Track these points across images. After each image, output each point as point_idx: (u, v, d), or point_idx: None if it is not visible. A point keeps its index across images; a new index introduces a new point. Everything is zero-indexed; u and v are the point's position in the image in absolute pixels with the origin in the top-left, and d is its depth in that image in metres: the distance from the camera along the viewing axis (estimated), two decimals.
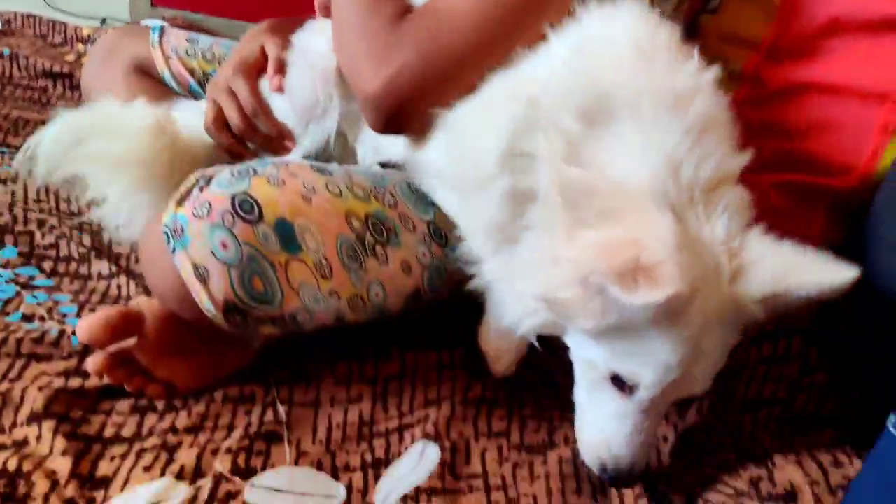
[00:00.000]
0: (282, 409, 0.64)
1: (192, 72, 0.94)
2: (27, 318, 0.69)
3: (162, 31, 0.95)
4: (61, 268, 0.77)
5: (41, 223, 0.82)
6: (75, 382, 0.62)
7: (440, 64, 0.61)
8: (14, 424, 0.57)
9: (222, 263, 0.55)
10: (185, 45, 0.95)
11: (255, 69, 0.78)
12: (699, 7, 0.82)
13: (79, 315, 0.70)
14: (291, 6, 0.89)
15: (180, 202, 0.56)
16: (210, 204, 0.55)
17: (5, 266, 0.75)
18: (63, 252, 0.79)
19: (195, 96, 0.93)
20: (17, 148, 0.89)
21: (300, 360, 0.69)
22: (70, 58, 1.21)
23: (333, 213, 0.61)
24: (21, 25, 1.26)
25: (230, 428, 0.61)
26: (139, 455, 0.57)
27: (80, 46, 1.23)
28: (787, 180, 0.72)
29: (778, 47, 0.73)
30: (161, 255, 0.56)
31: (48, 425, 0.57)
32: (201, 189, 0.56)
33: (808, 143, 0.72)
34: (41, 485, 0.53)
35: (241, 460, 0.58)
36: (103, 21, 1.68)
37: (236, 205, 0.55)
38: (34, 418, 0.57)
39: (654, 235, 0.46)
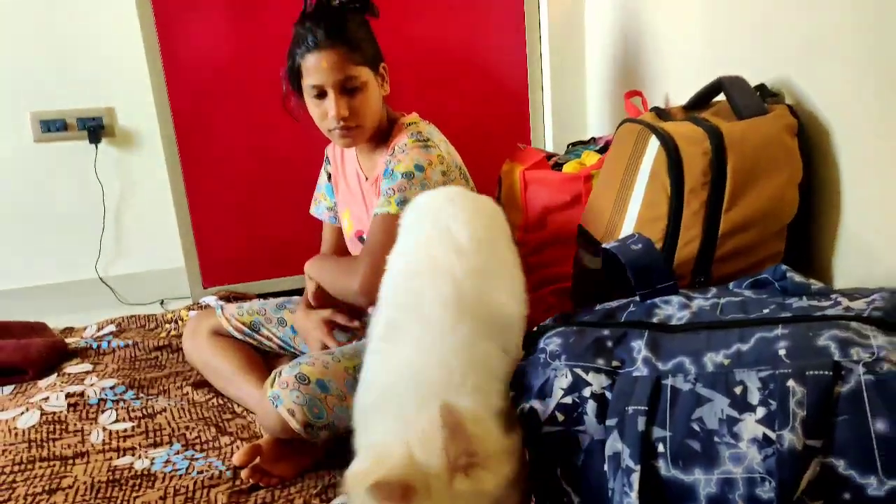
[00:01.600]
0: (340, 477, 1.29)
1: (244, 323, 1.66)
2: (199, 472, 1.35)
3: (221, 307, 1.68)
4: (205, 445, 1.43)
5: (186, 427, 1.49)
6: (236, 488, 1.27)
7: (378, 262, 1.30)
8: None
9: (299, 405, 1.22)
10: (236, 311, 1.67)
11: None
12: None
13: (224, 464, 1.36)
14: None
15: (272, 384, 1.25)
16: (287, 382, 1.24)
17: (177, 453, 1.42)
18: (203, 437, 1.46)
19: (250, 336, 1.64)
20: (154, 395, 1.60)
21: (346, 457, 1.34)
22: (163, 335, 1.94)
23: (340, 370, 1.29)
24: (128, 324, 2.01)
25: (316, 487, 1.26)
26: None
27: (167, 326, 1.98)
28: (555, 288, 1.42)
29: (527, 226, 1.47)
30: (271, 410, 1.24)
31: None
32: (279, 375, 1.26)
33: (558, 268, 1.43)
34: None
35: (324, 496, 1.22)
36: (162, 302, 2.44)
37: (297, 378, 1.24)
38: None
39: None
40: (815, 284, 0.87)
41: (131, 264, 2.47)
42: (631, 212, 1.12)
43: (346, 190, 1.61)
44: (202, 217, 2.18)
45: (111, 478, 1.32)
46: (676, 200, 1.05)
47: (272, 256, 2.21)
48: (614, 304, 0.96)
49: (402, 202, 1.31)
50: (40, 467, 1.36)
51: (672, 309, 0.89)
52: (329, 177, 1.68)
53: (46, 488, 1.29)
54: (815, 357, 0.72)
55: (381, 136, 1.47)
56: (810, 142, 1.09)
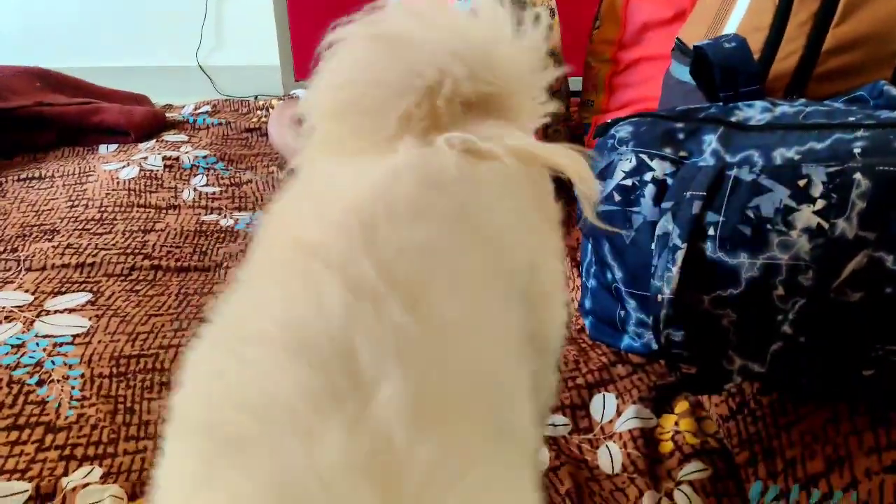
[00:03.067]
0: None
1: None
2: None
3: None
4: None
5: (269, 199, 1.59)
6: None
7: None
8: None
9: None
10: None
11: None
12: (591, 27, 1.51)
13: None
14: None
15: None
16: None
17: (259, 219, 1.52)
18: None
19: None
20: (242, 169, 1.70)
21: None
22: (254, 120, 2.02)
23: None
24: (223, 106, 2.10)
25: None
26: None
27: (258, 112, 2.06)
28: (637, 111, 1.39)
29: (622, 42, 1.41)
30: None
31: None
32: None
33: (645, 89, 1.39)
34: None
35: None
36: (256, 97, 2.51)
37: None
38: None
39: None
40: None
41: (230, 56, 2.54)
42: (732, 21, 1.06)
43: None
44: (300, 11, 2.20)
45: (199, 229, 1.44)
46: (784, 9, 0.99)
47: None
48: (694, 105, 0.94)
49: None
50: (137, 212, 1.50)
51: (753, 111, 0.87)
52: None
53: (142, 228, 1.43)
54: (891, 157, 0.70)
55: None
56: None
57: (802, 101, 0.89)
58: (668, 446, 0.83)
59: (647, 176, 0.84)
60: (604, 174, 0.87)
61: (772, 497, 0.72)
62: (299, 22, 2.20)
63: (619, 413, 0.88)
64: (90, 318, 1.10)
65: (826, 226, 0.70)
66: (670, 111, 0.92)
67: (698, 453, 0.80)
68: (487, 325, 0.40)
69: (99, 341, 1.05)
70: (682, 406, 0.86)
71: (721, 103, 0.92)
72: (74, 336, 1.05)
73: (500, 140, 0.49)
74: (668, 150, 0.85)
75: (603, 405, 0.90)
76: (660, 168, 0.84)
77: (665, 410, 0.87)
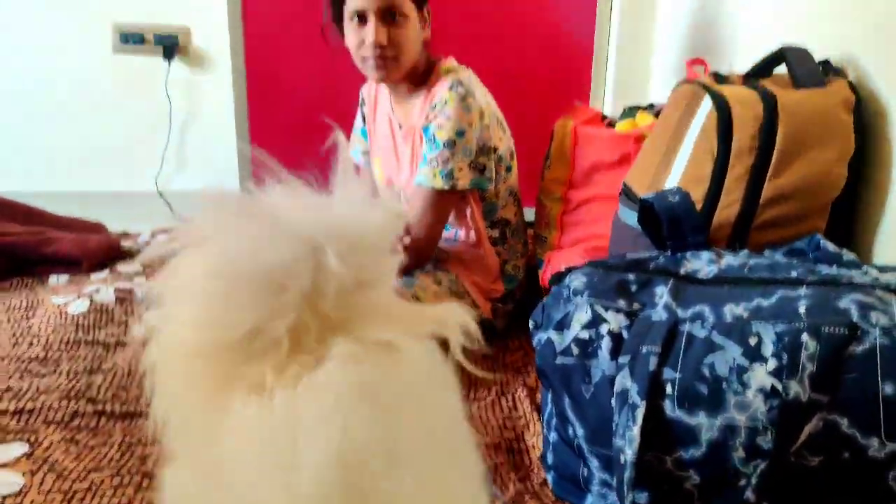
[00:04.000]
0: None
1: None
2: None
3: None
4: None
5: None
6: None
7: (420, 243, 1.37)
8: None
9: None
10: None
11: None
12: (543, 166, 1.57)
13: None
14: None
15: None
16: None
17: None
18: None
19: None
20: None
21: None
22: None
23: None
24: None
25: None
26: None
27: None
28: (591, 246, 1.43)
29: (572, 182, 1.47)
30: None
31: None
32: None
33: (595, 228, 1.43)
34: None
35: None
36: None
37: None
38: None
39: None
40: (848, 255, 0.86)
41: (190, 181, 2.56)
42: (675, 170, 1.12)
43: (377, 137, 1.59)
44: (262, 135, 2.27)
45: None
46: (721, 162, 1.04)
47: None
48: (645, 254, 0.97)
49: (448, 176, 1.33)
50: (84, 350, 1.45)
51: (700, 263, 0.90)
52: (364, 119, 1.65)
53: (87, 369, 1.37)
54: (835, 316, 0.72)
55: (418, 80, 1.43)
56: (867, 121, 1.07)
57: (745, 252, 0.93)
58: None
59: (603, 329, 0.85)
60: (561, 325, 0.88)
61: None
62: (261, 146, 2.25)
63: None
64: (24, 474, 1.03)
65: (780, 387, 0.71)
66: (621, 260, 0.94)
67: None
68: None
69: (32, 501, 0.98)
70: None
71: (669, 252, 0.95)
72: (5, 497, 0.98)
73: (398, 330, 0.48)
74: (621, 302, 0.86)
75: None
76: (615, 321, 0.85)
77: None
